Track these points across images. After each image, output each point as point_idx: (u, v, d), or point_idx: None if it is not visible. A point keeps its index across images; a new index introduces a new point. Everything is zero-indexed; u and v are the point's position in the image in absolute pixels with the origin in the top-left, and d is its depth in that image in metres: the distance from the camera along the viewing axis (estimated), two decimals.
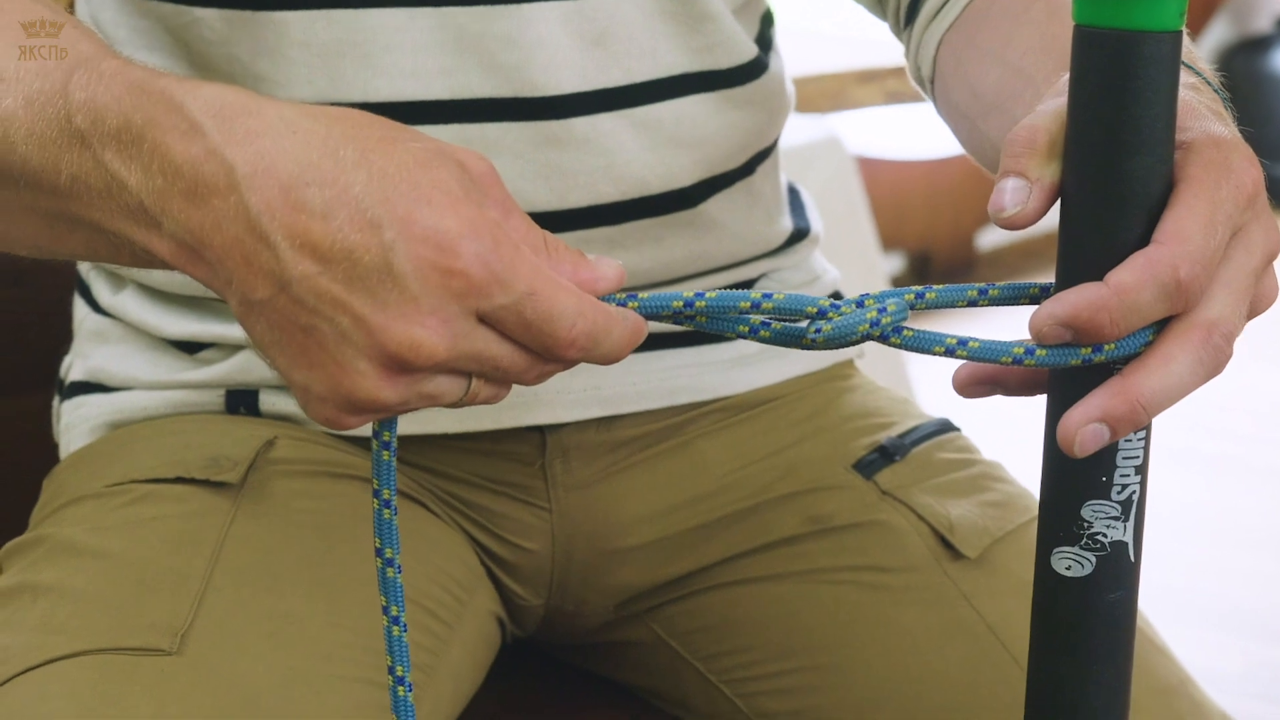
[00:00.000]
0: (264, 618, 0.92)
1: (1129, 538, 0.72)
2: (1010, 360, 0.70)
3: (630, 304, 0.74)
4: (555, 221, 0.98)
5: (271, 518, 0.97)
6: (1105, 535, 0.72)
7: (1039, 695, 0.75)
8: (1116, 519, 0.71)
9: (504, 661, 1.11)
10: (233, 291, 0.72)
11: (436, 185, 0.70)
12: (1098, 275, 0.69)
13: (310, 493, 1.00)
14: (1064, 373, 0.71)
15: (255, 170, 0.70)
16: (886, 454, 1.07)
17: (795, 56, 1.09)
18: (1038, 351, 0.70)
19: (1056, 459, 0.72)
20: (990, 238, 4.38)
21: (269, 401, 1.03)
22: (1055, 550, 0.73)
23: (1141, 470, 0.72)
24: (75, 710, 0.84)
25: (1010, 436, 1.99)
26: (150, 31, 0.99)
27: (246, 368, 1.02)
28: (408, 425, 1.02)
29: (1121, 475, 0.71)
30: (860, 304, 0.73)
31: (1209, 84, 0.80)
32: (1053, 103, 0.73)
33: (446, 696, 0.99)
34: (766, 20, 1.10)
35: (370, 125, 0.72)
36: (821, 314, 0.73)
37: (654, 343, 1.06)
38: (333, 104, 0.77)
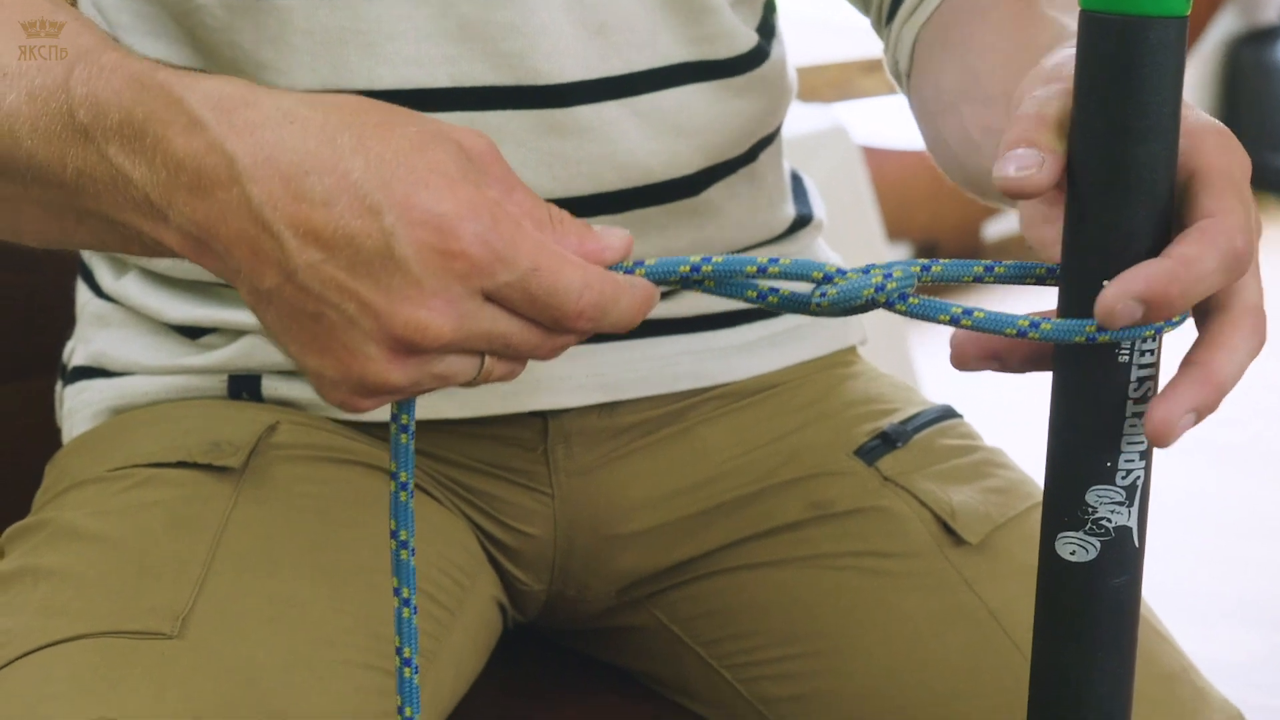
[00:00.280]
0: (265, 602, 0.92)
1: (1134, 523, 0.72)
2: (1014, 332, 0.70)
3: (638, 270, 0.74)
4: None
5: (273, 502, 0.97)
6: (1110, 520, 0.71)
7: (1043, 681, 0.75)
8: (1121, 504, 0.71)
9: (505, 646, 1.11)
10: (242, 280, 0.72)
11: (433, 168, 0.70)
12: (1104, 262, 0.69)
13: (312, 477, 1.00)
14: (1068, 352, 0.71)
15: (256, 161, 0.70)
16: (889, 440, 1.07)
17: (801, 46, 1.09)
18: (1043, 325, 0.70)
19: (1060, 443, 0.72)
20: (996, 228, 4.38)
21: (271, 387, 1.03)
22: (1059, 535, 0.72)
23: (1146, 455, 0.71)
24: (76, 693, 0.85)
25: (1012, 423, 2.00)
26: (154, 18, 0.99)
27: (249, 353, 1.03)
28: None
29: (1126, 460, 0.71)
30: (866, 271, 0.73)
31: None
32: (1056, 86, 0.73)
33: (448, 681, 1.00)
34: (769, 7, 1.10)
35: (367, 110, 0.72)
36: (828, 279, 0.73)
37: (656, 329, 1.06)
38: (336, 92, 0.77)
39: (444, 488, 1.06)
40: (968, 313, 0.71)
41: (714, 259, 0.74)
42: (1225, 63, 5.14)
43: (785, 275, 0.74)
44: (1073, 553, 0.72)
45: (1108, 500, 0.71)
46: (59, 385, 1.11)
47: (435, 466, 1.05)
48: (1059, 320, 0.70)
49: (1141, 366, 0.70)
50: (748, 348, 1.10)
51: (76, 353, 1.09)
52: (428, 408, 1.03)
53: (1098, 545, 0.72)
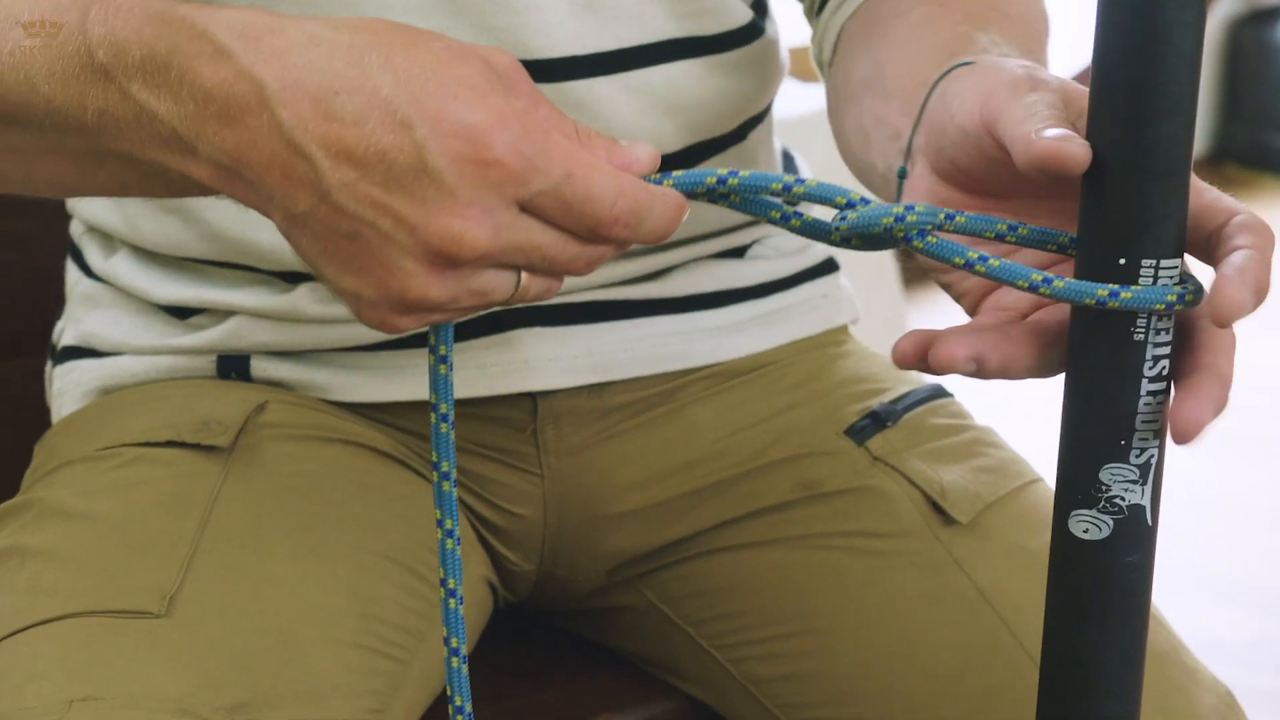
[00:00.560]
0: (253, 581, 0.92)
1: (1147, 501, 0.72)
2: (1026, 285, 0.71)
3: (666, 181, 0.75)
4: None
5: (262, 481, 0.97)
6: (1123, 499, 0.71)
7: (1055, 658, 0.75)
8: (1135, 482, 0.71)
9: (497, 626, 1.11)
10: (275, 207, 0.73)
11: (462, 81, 0.71)
12: (1120, 242, 0.69)
13: (301, 456, 1.00)
14: (1084, 331, 0.71)
15: (284, 85, 0.70)
16: (878, 420, 1.07)
17: (799, 26, 1.09)
18: (1055, 282, 0.70)
19: (1075, 421, 0.72)
20: None
21: (260, 367, 1.03)
22: (1073, 513, 0.72)
23: (1160, 435, 0.71)
24: (62, 672, 0.85)
25: (1004, 402, 1.99)
26: None
27: (238, 333, 1.03)
28: (397, 392, 1.03)
29: (1140, 439, 0.71)
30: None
31: None
32: (1041, 95, 0.73)
33: (438, 661, 0.99)
34: None
35: (392, 31, 0.72)
36: (850, 205, 0.73)
37: (645, 309, 1.06)
38: None
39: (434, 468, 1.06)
40: (983, 259, 0.71)
41: (741, 173, 0.74)
42: (1227, 43, 5.13)
43: (810, 197, 0.74)
44: (1086, 531, 0.72)
45: (1121, 479, 0.71)
46: (49, 365, 1.11)
47: (425, 446, 1.05)
48: (1073, 280, 0.70)
49: (1157, 345, 0.70)
50: (737, 327, 1.09)
51: (66, 333, 1.09)
52: (416, 389, 1.03)
53: (1111, 524, 0.72)
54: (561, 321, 1.03)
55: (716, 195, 0.75)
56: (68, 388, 1.07)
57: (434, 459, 0.81)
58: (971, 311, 0.80)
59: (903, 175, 0.83)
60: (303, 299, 1.01)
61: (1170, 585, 2.63)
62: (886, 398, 1.09)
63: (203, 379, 1.04)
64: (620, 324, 1.05)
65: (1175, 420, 0.69)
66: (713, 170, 0.75)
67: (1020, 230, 0.74)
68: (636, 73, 1.00)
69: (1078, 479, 0.72)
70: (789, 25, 1.13)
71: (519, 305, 0.76)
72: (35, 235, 1.23)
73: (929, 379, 1.13)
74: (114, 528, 0.93)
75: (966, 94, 0.77)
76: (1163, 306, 0.69)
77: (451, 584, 0.81)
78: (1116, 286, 0.69)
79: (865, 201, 0.73)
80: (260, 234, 0.99)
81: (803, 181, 0.74)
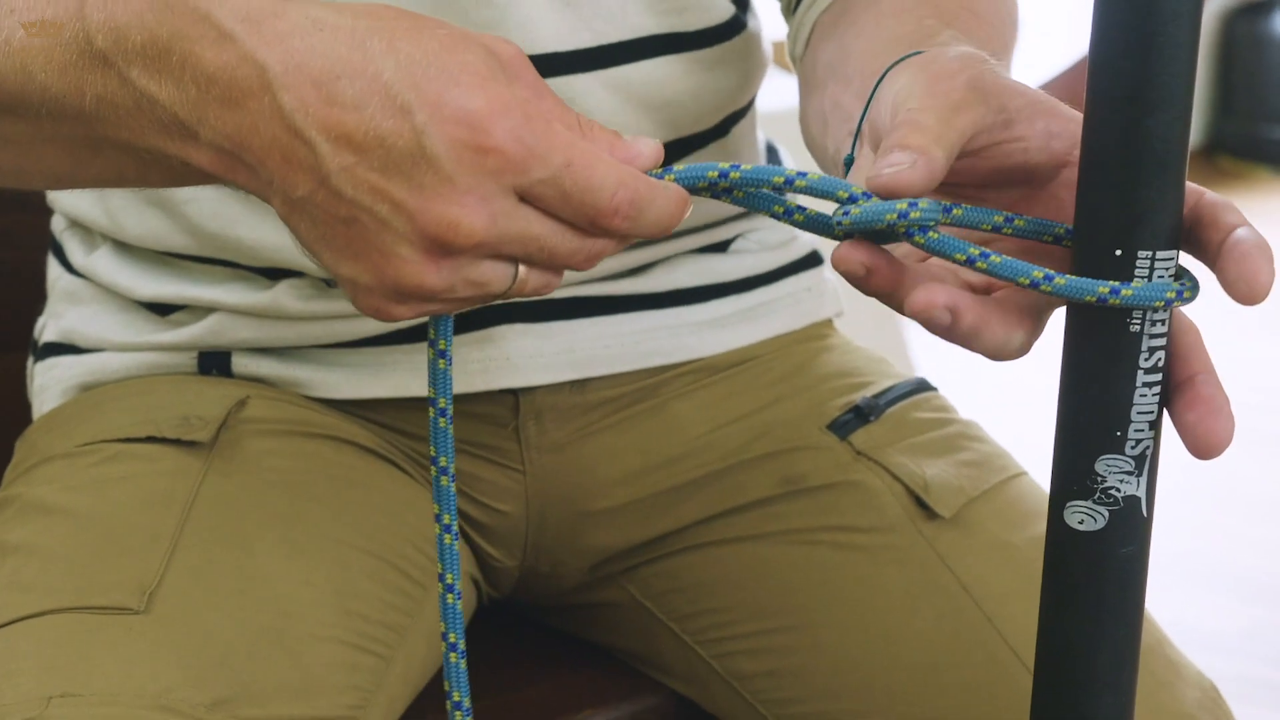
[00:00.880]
0: (234, 576, 0.92)
1: (1142, 493, 0.72)
2: (1028, 282, 0.70)
3: (667, 176, 0.74)
4: None
5: (243, 476, 0.97)
6: (1119, 490, 0.71)
7: (1049, 650, 0.75)
8: (1130, 473, 0.71)
9: (480, 622, 1.11)
10: (274, 191, 0.72)
11: (465, 67, 0.70)
12: (1115, 234, 0.69)
13: (282, 451, 0.99)
14: (1080, 322, 0.71)
15: (286, 69, 0.70)
16: (861, 414, 1.07)
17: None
18: (1056, 279, 0.69)
19: (1071, 413, 0.72)
20: None
21: (241, 364, 1.03)
22: (1068, 504, 0.72)
23: (1155, 425, 0.71)
24: (41, 668, 0.84)
25: (988, 395, 1.99)
26: None
27: (218, 330, 1.02)
28: (379, 388, 1.03)
29: (1136, 430, 0.71)
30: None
31: None
32: (935, 102, 0.73)
33: (420, 656, 0.99)
34: None
35: (396, 17, 0.72)
36: (852, 199, 0.73)
37: (628, 304, 1.06)
38: None
39: (416, 464, 1.06)
40: (984, 255, 0.71)
41: (743, 166, 0.74)
42: (1220, 35, 5.13)
43: (811, 191, 0.73)
44: (1081, 522, 0.72)
45: (1117, 470, 0.71)
46: (30, 361, 1.11)
47: (407, 443, 1.05)
48: (1074, 277, 0.69)
49: (1153, 337, 0.70)
50: (721, 322, 1.09)
51: (47, 329, 1.09)
52: (399, 385, 1.03)
53: (1106, 515, 0.72)
54: (543, 318, 1.03)
55: (719, 190, 0.75)
56: (49, 384, 1.07)
57: (432, 453, 0.80)
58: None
59: (849, 163, 0.83)
60: (284, 295, 1.01)
61: (1167, 576, 2.64)
62: (870, 392, 1.09)
63: (184, 375, 1.04)
64: (602, 319, 1.05)
65: (1207, 436, 0.69)
66: (714, 164, 0.74)
67: (1016, 222, 0.74)
68: (616, 69, 1.00)
69: (1073, 470, 0.72)
70: (775, 18, 1.13)
71: (517, 299, 0.75)
72: (17, 231, 1.22)
73: (930, 373, 1.13)
74: (94, 523, 0.93)
75: (897, 87, 0.77)
76: (1162, 304, 0.69)
77: (450, 579, 0.81)
78: (1117, 284, 0.69)
79: (867, 196, 0.73)
80: (241, 229, 0.99)
81: (805, 175, 0.73)
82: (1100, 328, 0.70)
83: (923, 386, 1.10)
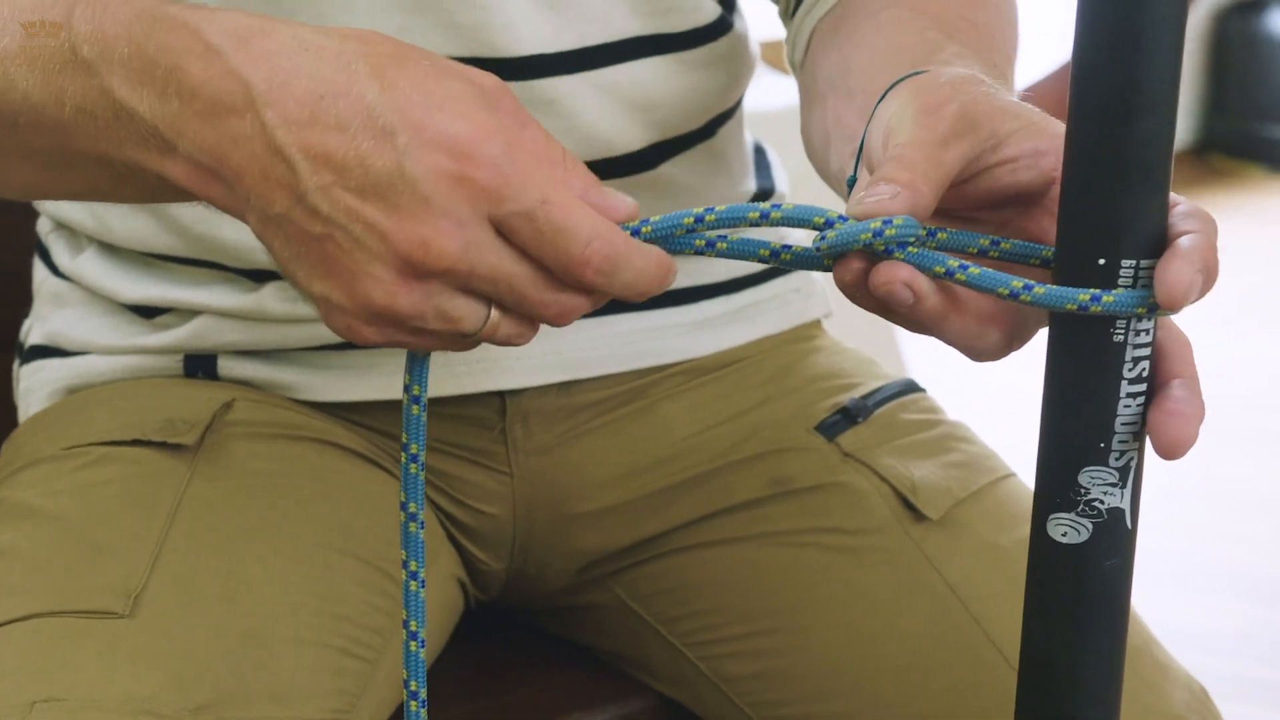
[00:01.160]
0: (219, 580, 0.91)
1: (1126, 505, 0.71)
2: (1007, 293, 0.70)
3: (644, 229, 0.73)
4: None
5: (228, 479, 0.97)
6: (1103, 502, 0.71)
7: (1032, 663, 0.75)
8: (1114, 485, 0.71)
9: (468, 625, 1.11)
10: (250, 208, 0.72)
11: (449, 94, 0.70)
12: (1099, 241, 0.68)
13: (267, 454, 0.99)
14: (1064, 332, 0.70)
15: (271, 87, 0.70)
16: (849, 415, 1.07)
17: (774, 19, 1.09)
18: (1035, 289, 0.69)
19: (1054, 424, 0.71)
20: None
21: (227, 367, 1.03)
22: (1051, 516, 0.72)
23: (1139, 437, 0.71)
24: (24, 674, 0.84)
25: (977, 396, 1.99)
26: None
27: (204, 333, 1.02)
28: (365, 391, 1.02)
29: (1120, 442, 0.70)
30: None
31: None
32: (927, 135, 0.73)
33: None
34: None
35: (382, 43, 0.72)
36: (829, 224, 0.72)
37: (614, 306, 1.06)
38: None
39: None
40: (963, 267, 0.71)
41: (717, 209, 0.73)
42: (1212, 34, 5.13)
43: (788, 220, 0.73)
44: (1064, 534, 0.71)
45: (1101, 481, 0.71)
46: (16, 364, 1.11)
47: (393, 445, 1.05)
48: (1054, 286, 0.69)
49: (1137, 347, 0.69)
50: (709, 323, 1.09)
51: (33, 331, 1.09)
52: (385, 388, 1.02)
53: (1090, 527, 0.71)
54: None
55: (696, 235, 0.74)
56: (34, 387, 1.07)
57: (401, 499, 0.80)
58: None
59: (851, 183, 0.82)
60: (269, 298, 1.00)
61: (1161, 575, 2.64)
62: (858, 393, 1.09)
63: (169, 378, 1.03)
64: (589, 321, 1.05)
65: (1168, 434, 0.69)
66: (689, 211, 0.74)
67: (1003, 244, 0.74)
68: (602, 71, 0.99)
69: (1057, 482, 0.71)
70: (762, 18, 1.13)
71: (490, 343, 0.75)
72: (2, 233, 1.22)
73: (922, 373, 1.12)
74: (79, 527, 0.93)
75: (890, 112, 0.77)
76: (1144, 310, 0.68)
77: (414, 566, 0.80)
78: (1097, 291, 0.68)
79: (844, 219, 0.72)
80: (227, 230, 0.99)
81: (779, 206, 0.73)
82: (1083, 337, 0.70)
83: (911, 388, 1.10)
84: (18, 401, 1.09)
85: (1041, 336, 0.75)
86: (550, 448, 1.06)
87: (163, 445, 0.98)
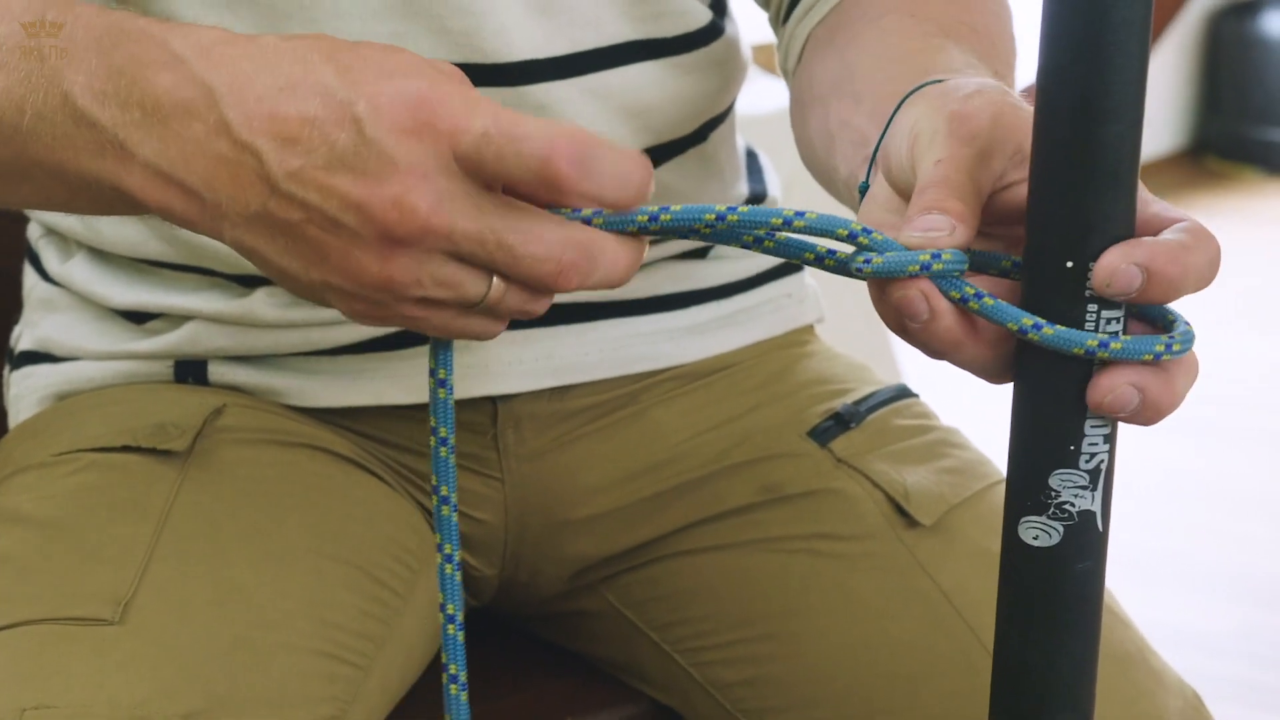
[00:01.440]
0: (209, 586, 0.91)
1: (1097, 507, 0.71)
2: (1017, 329, 0.69)
3: (663, 216, 0.72)
4: None
5: (219, 486, 0.97)
6: (1073, 505, 0.71)
7: (1006, 666, 0.75)
8: (1085, 488, 0.71)
9: None
10: (225, 215, 0.72)
11: (400, 63, 0.71)
12: (1068, 246, 0.68)
13: (258, 460, 0.99)
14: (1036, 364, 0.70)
15: (232, 89, 0.71)
16: (842, 421, 1.07)
17: (764, 23, 1.09)
18: (1044, 329, 0.69)
19: (1024, 428, 0.71)
20: None
21: (218, 372, 1.03)
22: (1022, 520, 0.72)
23: (1110, 439, 0.71)
24: (13, 681, 0.84)
25: (970, 401, 1.99)
26: None
27: (194, 339, 1.02)
28: (357, 396, 1.02)
29: (1090, 444, 0.70)
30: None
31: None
32: (966, 151, 0.73)
33: (399, 666, 0.99)
34: None
35: (338, 41, 0.73)
36: (852, 236, 0.71)
37: (608, 311, 1.05)
38: None
39: (394, 472, 1.05)
40: (978, 295, 0.70)
41: (739, 209, 0.73)
42: (1207, 36, 5.14)
43: (810, 230, 0.72)
44: (1035, 537, 0.71)
45: (1071, 484, 0.71)
46: (6, 370, 1.11)
47: (385, 451, 1.05)
48: (1063, 329, 0.69)
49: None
50: (700, 329, 1.09)
51: (23, 337, 1.09)
52: (377, 393, 1.02)
53: (1061, 530, 0.71)
54: (522, 325, 1.03)
55: (745, 230, 0.73)
56: (24, 393, 1.06)
57: (434, 482, 0.80)
58: None
59: (863, 189, 0.82)
60: (259, 303, 1.00)
61: (1160, 575, 2.64)
62: (850, 399, 1.08)
63: (160, 384, 1.03)
64: (581, 326, 1.05)
65: (1093, 390, 0.68)
66: (710, 206, 0.73)
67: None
68: (594, 76, 0.99)
69: (1027, 485, 0.71)
70: (754, 21, 1.13)
71: (502, 317, 0.74)
72: None
73: (917, 379, 1.12)
74: (69, 533, 0.92)
75: (915, 120, 0.76)
76: (1151, 358, 0.68)
77: (449, 550, 0.80)
78: (1106, 337, 0.68)
79: (867, 232, 0.71)
80: None
81: (803, 215, 0.72)
82: (1058, 371, 0.70)
83: (904, 393, 1.10)
84: (8, 407, 1.09)
85: None
86: (542, 453, 1.06)
87: (153, 451, 0.97)
